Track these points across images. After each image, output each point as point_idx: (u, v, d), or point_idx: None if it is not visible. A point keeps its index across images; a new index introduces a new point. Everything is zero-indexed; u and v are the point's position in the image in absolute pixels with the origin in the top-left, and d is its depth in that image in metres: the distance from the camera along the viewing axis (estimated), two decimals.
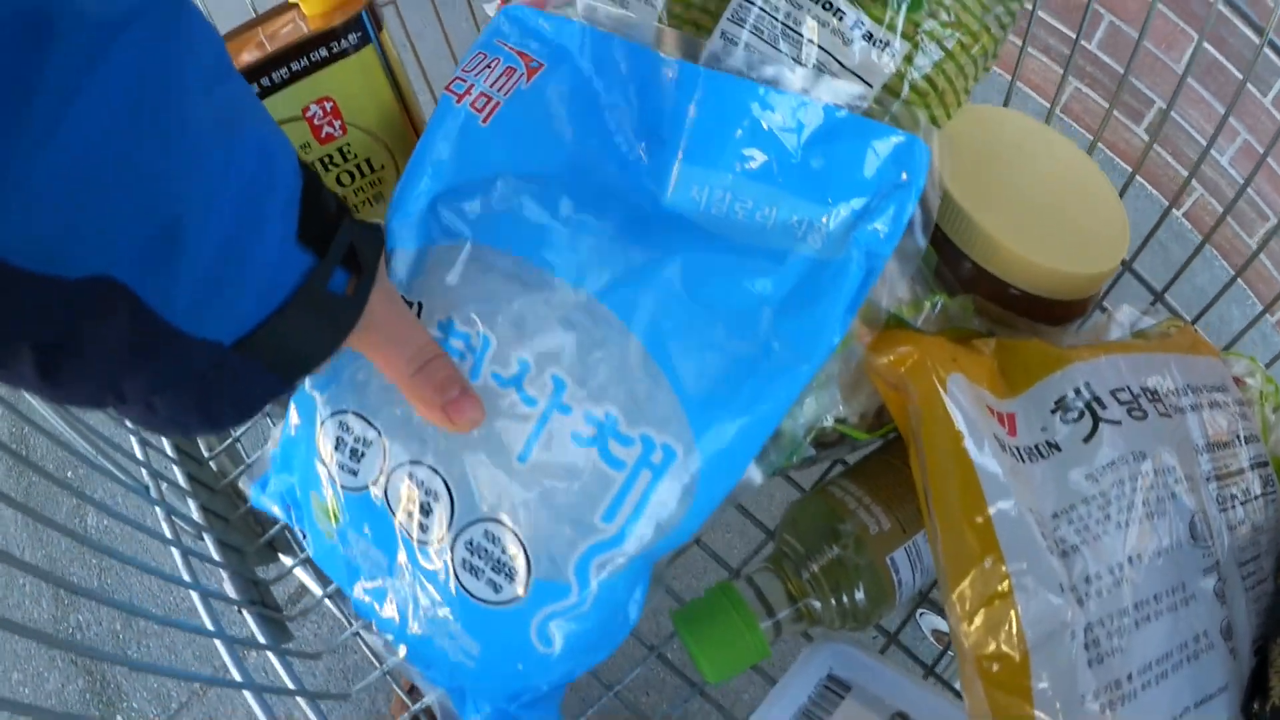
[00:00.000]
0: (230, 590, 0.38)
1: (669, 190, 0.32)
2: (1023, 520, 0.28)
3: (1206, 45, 0.98)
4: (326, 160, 0.42)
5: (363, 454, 0.32)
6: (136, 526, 0.36)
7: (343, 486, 0.32)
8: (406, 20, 0.57)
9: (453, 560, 0.30)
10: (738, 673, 0.32)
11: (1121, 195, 0.48)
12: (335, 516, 0.33)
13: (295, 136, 0.40)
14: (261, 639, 0.37)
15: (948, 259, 0.36)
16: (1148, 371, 0.34)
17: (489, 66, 0.33)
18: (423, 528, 0.31)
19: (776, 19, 0.32)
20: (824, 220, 0.29)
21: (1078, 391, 0.32)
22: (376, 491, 0.31)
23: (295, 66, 0.39)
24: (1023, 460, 0.30)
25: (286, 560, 0.43)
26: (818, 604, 0.33)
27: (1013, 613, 0.27)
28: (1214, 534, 0.33)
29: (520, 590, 0.30)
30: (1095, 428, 0.31)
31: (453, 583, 0.30)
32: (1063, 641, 0.28)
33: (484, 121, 0.33)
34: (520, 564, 0.30)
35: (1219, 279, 1.12)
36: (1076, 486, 0.30)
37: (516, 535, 0.29)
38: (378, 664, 0.36)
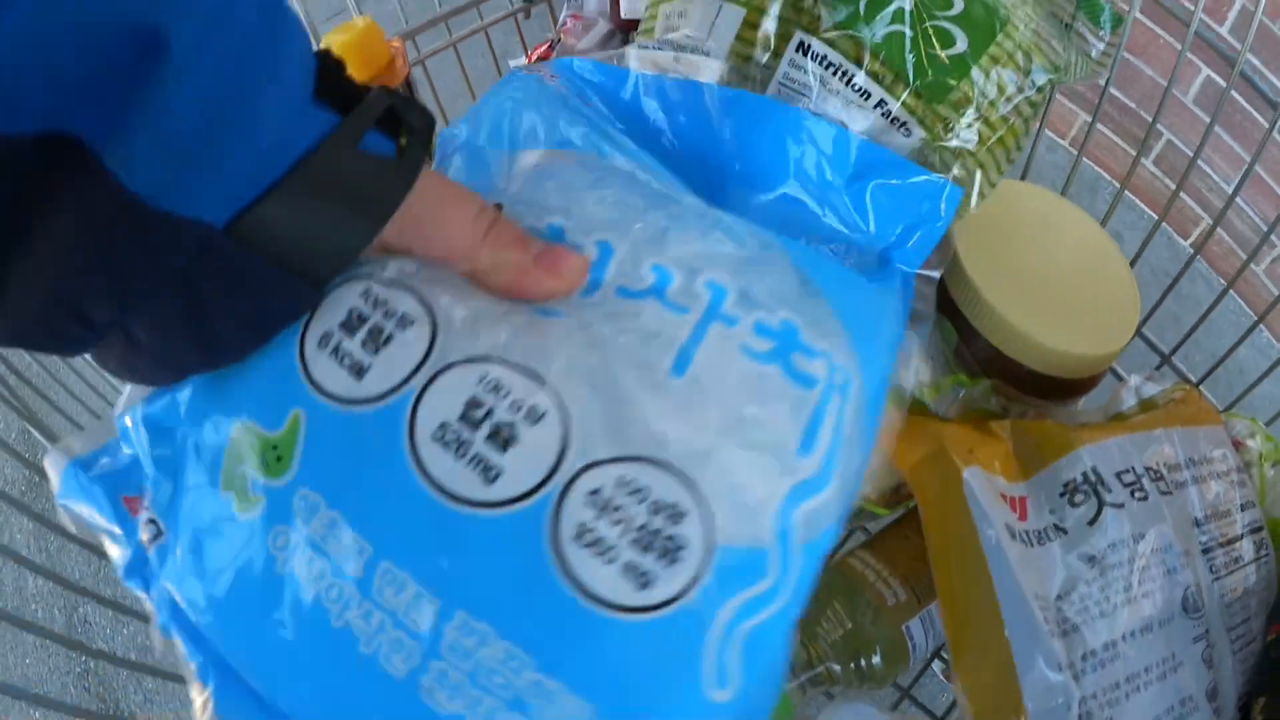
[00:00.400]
0: None
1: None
2: (1027, 606, 0.30)
3: (1214, 76, 1.00)
4: None
5: (389, 339, 0.21)
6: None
7: (328, 396, 0.20)
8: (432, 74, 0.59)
9: (554, 536, 0.19)
10: None
11: (1142, 250, 0.50)
12: (282, 459, 0.20)
13: None
14: None
15: (965, 337, 0.38)
16: (1151, 450, 0.36)
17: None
18: (489, 473, 0.19)
19: (809, 98, 0.34)
20: (862, 247, 0.30)
21: (1085, 476, 0.33)
22: (392, 405, 0.20)
23: None
24: (1031, 545, 0.32)
25: None
26: (838, 667, 0.35)
27: (1016, 691, 0.29)
28: (1205, 602, 0.34)
29: (690, 575, 0.19)
30: (1099, 511, 0.33)
31: (551, 579, 0.18)
32: (1060, 715, 0.30)
33: (549, 80, 0.30)
34: (691, 527, 0.19)
35: (1225, 309, 1.13)
36: (1079, 570, 0.32)
37: (681, 475, 0.19)
38: None
